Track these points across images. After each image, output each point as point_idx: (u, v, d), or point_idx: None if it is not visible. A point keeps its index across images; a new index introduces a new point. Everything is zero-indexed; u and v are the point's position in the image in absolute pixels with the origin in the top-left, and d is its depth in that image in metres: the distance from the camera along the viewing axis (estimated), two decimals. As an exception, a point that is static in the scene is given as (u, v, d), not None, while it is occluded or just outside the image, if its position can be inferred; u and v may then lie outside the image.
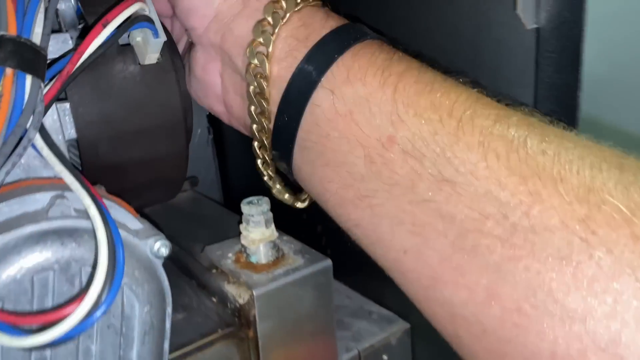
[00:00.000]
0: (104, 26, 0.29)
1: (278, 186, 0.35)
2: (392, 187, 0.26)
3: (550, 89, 0.34)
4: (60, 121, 0.32)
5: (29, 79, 0.26)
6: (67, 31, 0.33)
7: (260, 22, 0.30)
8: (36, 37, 0.27)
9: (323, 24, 0.30)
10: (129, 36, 0.33)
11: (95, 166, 0.34)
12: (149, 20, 0.32)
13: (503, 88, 0.34)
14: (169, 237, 0.29)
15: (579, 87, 0.32)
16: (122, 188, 0.34)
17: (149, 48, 0.33)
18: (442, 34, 0.36)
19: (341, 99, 0.28)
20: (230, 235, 0.42)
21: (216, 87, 0.35)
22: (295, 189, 0.35)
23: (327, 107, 0.28)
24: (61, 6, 0.33)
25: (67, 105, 0.32)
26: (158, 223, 0.55)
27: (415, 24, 0.37)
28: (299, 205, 0.36)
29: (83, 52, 0.29)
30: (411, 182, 0.25)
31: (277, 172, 0.34)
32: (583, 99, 0.33)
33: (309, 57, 0.29)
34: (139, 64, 0.34)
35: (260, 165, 0.34)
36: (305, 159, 0.30)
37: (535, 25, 0.32)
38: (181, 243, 0.48)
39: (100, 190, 0.31)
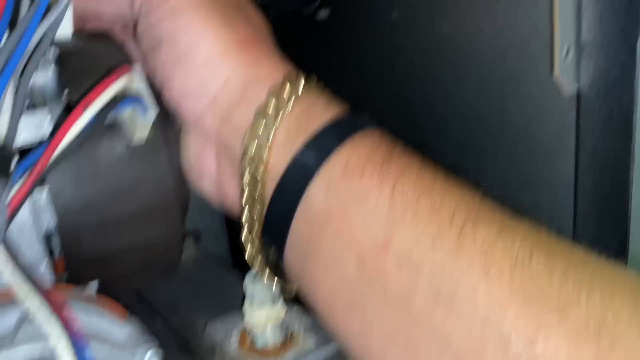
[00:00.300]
0: (84, 109, 0.26)
1: (268, 275, 0.32)
2: (386, 297, 0.24)
3: (594, 158, 0.30)
4: (37, 210, 0.28)
5: (-10, 180, 0.22)
6: (47, 106, 0.30)
7: (261, 110, 0.28)
8: (1, 126, 0.24)
9: (324, 111, 0.28)
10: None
11: (79, 257, 0.30)
12: (138, 95, 0.28)
13: (541, 157, 0.30)
14: (169, 307, 0.26)
15: (631, 157, 0.28)
16: (111, 276, 0.30)
17: (138, 125, 0.29)
18: (475, 97, 0.32)
19: (336, 193, 0.26)
20: (236, 303, 0.39)
21: (210, 173, 0.32)
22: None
23: (322, 201, 0.26)
24: (39, 80, 0.30)
25: (44, 191, 0.28)
26: (156, 289, 0.52)
27: (449, 89, 0.33)
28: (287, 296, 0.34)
29: (59, 142, 0.25)
30: (406, 294, 0.23)
31: (267, 261, 0.31)
32: (637, 169, 0.29)
33: (307, 147, 0.27)
34: (127, 142, 0.30)
35: (249, 256, 0.31)
36: (296, 256, 0.28)
37: (575, 91, 0.28)
38: (182, 314, 0.45)
39: (83, 292, 0.27)
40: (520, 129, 0.30)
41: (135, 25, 0.32)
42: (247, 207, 0.29)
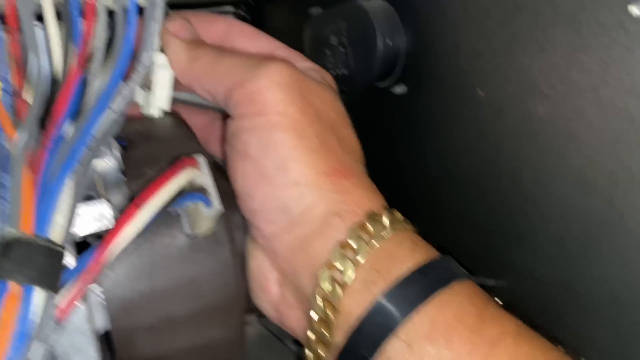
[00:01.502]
0: (138, 206, 0.24)
1: None
2: None
3: None
4: (89, 309, 0.26)
5: (37, 293, 0.20)
6: (107, 195, 0.28)
7: (341, 245, 0.26)
8: (57, 229, 0.22)
9: (409, 256, 0.26)
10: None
11: (133, 359, 0.28)
12: (201, 190, 0.26)
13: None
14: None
15: None
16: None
17: (200, 218, 0.27)
18: (577, 190, 0.28)
19: (419, 357, 0.24)
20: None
21: (272, 294, 0.29)
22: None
23: None
24: (101, 166, 0.28)
25: (98, 289, 0.26)
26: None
27: (545, 177, 0.30)
28: None
29: (110, 241, 0.23)
30: None
31: None
32: None
33: (388, 297, 0.25)
34: (188, 235, 0.28)
35: None
36: None
37: None
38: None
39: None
40: (635, 230, 0.25)
41: (224, 117, 0.30)
42: (311, 345, 0.27)
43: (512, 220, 0.31)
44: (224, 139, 0.30)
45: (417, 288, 0.25)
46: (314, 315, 0.26)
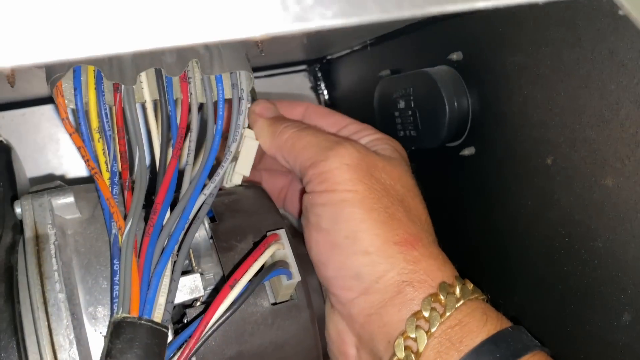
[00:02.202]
0: (232, 287, 0.26)
1: None
2: None
3: None
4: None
5: (146, 372, 0.23)
6: (198, 266, 0.31)
7: (415, 315, 0.27)
8: (159, 310, 0.25)
9: (481, 326, 0.27)
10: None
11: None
12: (284, 264, 0.29)
13: None
14: None
15: None
16: None
17: (282, 287, 0.30)
18: None
19: None
20: None
21: (350, 357, 0.31)
22: None
23: None
24: (194, 239, 0.31)
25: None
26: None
27: (613, 250, 0.30)
28: None
29: (209, 320, 0.26)
30: None
31: None
32: None
33: None
34: (272, 303, 0.30)
35: None
36: None
37: None
38: None
39: None
40: None
41: (302, 190, 0.33)
42: None
43: (584, 286, 0.31)
44: (301, 211, 0.33)
45: (488, 359, 0.26)
46: None
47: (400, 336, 0.27)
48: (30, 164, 0.48)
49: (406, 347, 0.27)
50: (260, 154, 0.34)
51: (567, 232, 0.32)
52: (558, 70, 0.30)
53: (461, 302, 0.28)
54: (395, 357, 0.27)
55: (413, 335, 0.27)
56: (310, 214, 0.31)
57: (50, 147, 0.49)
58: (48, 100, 0.48)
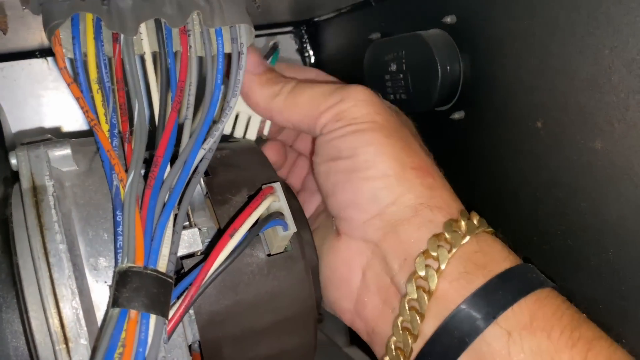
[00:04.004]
0: (231, 236, 0.27)
1: None
2: None
3: None
4: (184, 325, 0.29)
5: (153, 319, 0.23)
6: (195, 220, 0.31)
7: (436, 236, 0.28)
8: (163, 260, 0.25)
9: (504, 256, 0.28)
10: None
11: (217, 367, 0.31)
12: (279, 216, 0.29)
13: None
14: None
15: None
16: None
17: (277, 239, 0.30)
18: (635, 223, 0.29)
19: (519, 345, 0.25)
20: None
21: (353, 282, 0.32)
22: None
23: (499, 350, 0.26)
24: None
25: (190, 310, 0.30)
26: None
27: (601, 209, 0.31)
28: None
29: (209, 269, 0.26)
30: None
31: None
32: None
33: (488, 288, 0.26)
34: (267, 254, 0.31)
35: None
36: None
37: None
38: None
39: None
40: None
41: (313, 139, 0.33)
42: (400, 331, 0.29)
43: (568, 247, 0.33)
44: (312, 153, 0.34)
45: (517, 284, 0.27)
46: (407, 299, 0.28)
47: (421, 254, 0.28)
48: (10, 120, 0.46)
49: (427, 266, 0.28)
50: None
51: (555, 194, 0.33)
52: (552, 35, 0.31)
53: (480, 229, 0.29)
54: (416, 275, 0.28)
55: (434, 254, 0.28)
56: (328, 148, 0.31)
57: (31, 103, 0.47)
58: (28, 54, 0.47)
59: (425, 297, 0.27)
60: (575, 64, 0.30)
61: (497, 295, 0.26)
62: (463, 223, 0.29)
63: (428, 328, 0.27)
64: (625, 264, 0.30)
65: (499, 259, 0.28)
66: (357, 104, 0.31)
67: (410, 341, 0.28)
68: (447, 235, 0.28)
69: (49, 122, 0.47)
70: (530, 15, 0.32)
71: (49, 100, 0.48)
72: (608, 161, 0.30)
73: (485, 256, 0.28)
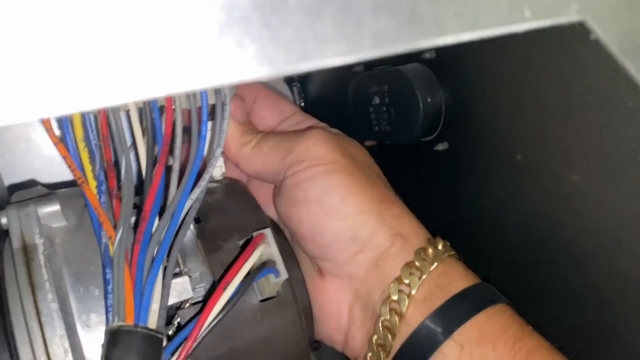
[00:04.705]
0: (225, 289, 0.27)
1: None
2: None
3: None
4: (179, 374, 0.30)
5: (145, 377, 0.24)
6: (185, 268, 0.32)
7: (408, 265, 0.31)
8: (153, 316, 0.26)
9: (463, 277, 0.31)
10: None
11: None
12: (271, 264, 0.30)
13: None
14: None
15: None
16: None
17: (269, 285, 0.31)
18: (611, 257, 0.30)
19: (469, 356, 0.29)
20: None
21: (342, 318, 0.34)
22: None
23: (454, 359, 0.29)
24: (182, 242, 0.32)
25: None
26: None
27: (578, 241, 0.32)
28: None
29: (204, 323, 0.27)
30: None
31: None
32: None
33: (446, 307, 0.30)
34: (260, 300, 0.31)
35: None
36: None
37: None
38: None
39: None
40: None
41: (279, 184, 0.35)
42: (375, 348, 0.31)
43: (552, 275, 0.33)
44: (275, 200, 0.35)
45: (470, 302, 0.30)
46: (380, 320, 0.31)
47: (395, 281, 0.31)
48: (1, 164, 0.47)
49: (400, 291, 0.31)
50: None
51: (537, 224, 0.34)
52: (527, 72, 0.32)
53: (445, 254, 0.32)
54: (390, 299, 0.31)
55: (407, 281, 0.31)
56: (296, 191, 0.33)
57: (22, 146, 0.48)
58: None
59: (397, 318, 0.30)
60: (550, 100, 0.31)
61: (453, 313, 0.29)
62: (430, 250, 0.31)
63: (397, 345, 0.30)
64: (607, 291, 0.31)
65: (459, 279, 0.31)
66: (317, 144, 0.33)
67: (382, 356, 0.31)
68: (417, 264, 0.31)
69: (39, 164, 0.48)
70: (505, 52, 0.33)
71: (40, 142, 0.48)
72: (586, 193, 0.30)
73: (448, 277, 0.31)
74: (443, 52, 0.38)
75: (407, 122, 0.40)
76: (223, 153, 0.34)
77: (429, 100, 0.38)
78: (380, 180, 0.34)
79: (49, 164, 0.48)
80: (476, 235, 0.39)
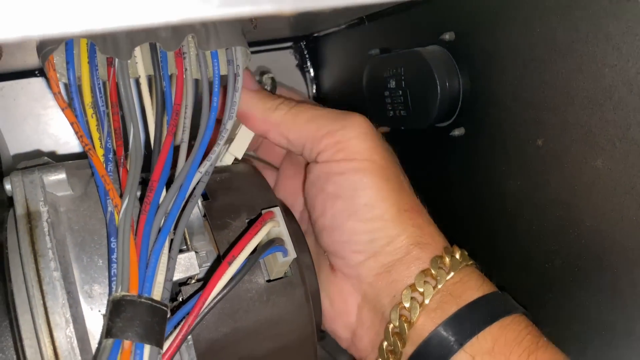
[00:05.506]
0: (230, 264, 0.26)
1: None
2: None
3: None
4: (179, 354, 0.29)
5: (147, 349, 0.23)
6: (192, 244, 0.31)
7: (423, 272, 0.30)
8: (157, 288, 0.25)
9: (478, 286, 0.31)
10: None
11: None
12: (279, 242, 0.29)
13: None
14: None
15: None
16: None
17: (277, 265, 0.30)
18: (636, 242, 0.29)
19: None
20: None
21: (350, 316, 0.33)
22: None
23: None
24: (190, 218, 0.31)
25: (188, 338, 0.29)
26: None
27: (604, 227, 0.31)
28: None
29: (207, 297, 0.26)
30: None
31: None
32: None
33: (458, 316, 0.29)
34: (266, 280, 0.30)
35: None
36: None
37: None
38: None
39: None
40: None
41: (306, 165, 0.34)
42: (385, 353, 0.30)
43: (570, 266, 0.32)
44: (305, 180, 0.34)
45: (483, 312, 0.29)
46: (390, 327, 0.30)
47: (408, 288, 0.30)
48: (9, 140, 0.46)
49: (412, 298, 0.30)
50: (257, 141, 0.34)
51: (556, 213, 0.33)
52: (552, 52, 0.31)
53: (463, 264, 0.31)
54: (401, 305, 0.30)
55: (421, 289, 0.30)
56: (327, 183, 0.32)
57: (30, 122, 0.47)
58: (27, 74, 0.47)
59: (406, 326, 0.29)
60: (574, 82, 0.30)
61: (465, 324, 0.29)
62: (447, 260, 0.31)
63: (408, 352, 0.30)
64: (628, 282, 0.29)
65: (473, 287, 0.30)
66: (359, 137, 0.31)
67: None
68: (433, 271, 0.30)
69: (48, 141, 0.47)
70: (529, 32, 0.32)
71: (48, 119, 0.48)
72: (610, 180, 0.29)
73: (463, 286, 0.30)
74: (463, 34, 0.37)
75: (423, 106, 0.39)
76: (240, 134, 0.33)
77: (447, 84, 0.37)
78: (410, 189, 0.33)
79: (56, 143, 0.48)
80: (493, 224, 0.37)
